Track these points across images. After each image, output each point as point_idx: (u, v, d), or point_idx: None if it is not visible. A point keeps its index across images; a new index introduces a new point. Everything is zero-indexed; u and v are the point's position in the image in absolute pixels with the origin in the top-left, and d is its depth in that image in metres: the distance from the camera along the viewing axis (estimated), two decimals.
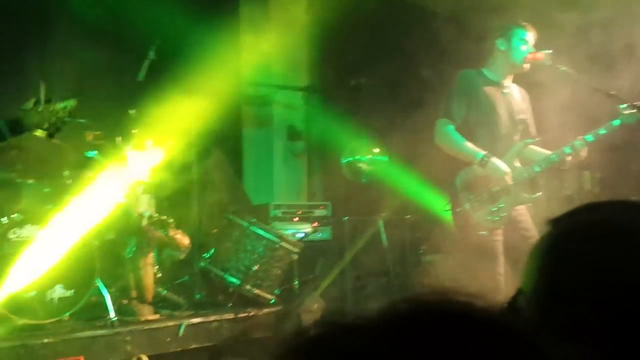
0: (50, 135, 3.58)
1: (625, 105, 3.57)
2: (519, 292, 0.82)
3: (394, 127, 6.42)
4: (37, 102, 3.52)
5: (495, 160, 3.59)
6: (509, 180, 3.60)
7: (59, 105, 3.49)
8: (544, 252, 0.80)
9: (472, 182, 3.67)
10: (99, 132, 4.49)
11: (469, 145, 3.64)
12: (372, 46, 6.81)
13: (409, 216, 5.91)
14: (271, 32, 6.91)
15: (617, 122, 3.60)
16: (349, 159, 6.62)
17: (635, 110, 3.56)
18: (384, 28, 6.86)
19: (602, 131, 3.63)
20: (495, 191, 3.64)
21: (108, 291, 3.84)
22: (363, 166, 6.58)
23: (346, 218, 5.70)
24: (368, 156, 6.60)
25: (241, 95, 6.70)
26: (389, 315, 0.52)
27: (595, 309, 0.71)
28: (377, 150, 6.64)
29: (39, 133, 4.10)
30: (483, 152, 3.59)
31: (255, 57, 6.90)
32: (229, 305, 4.27)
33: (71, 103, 3.57)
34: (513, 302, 0.83)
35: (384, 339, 0.49)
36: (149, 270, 4.10)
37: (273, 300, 4.47)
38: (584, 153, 3.65)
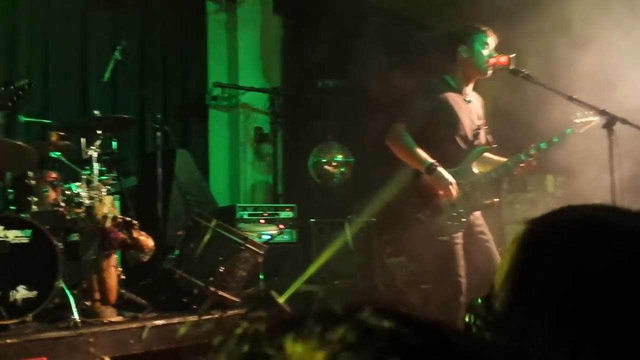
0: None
1: (578, 114, 3.66)
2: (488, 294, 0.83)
3: (360, 129, 6.47)
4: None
5: (441, 170, 3.60)
6: (454, 191, 3.62)
7: (18, 85, 3.79)
8: (519, 248, 0.81)
9: (428, 189, 3.69)
10: (63, 133, 4.45)
11: (420, 151, 3.65)
12: (339, 49, 6.85)
13: (374, 219, 5.96)
14: (238, 32, 6.92)
15: (569, 131, 3.69)
16: (315, 161, 6.65)
17: (586, 120, 3.65)
18: (352, 30, 6.91)
19: (556, 139, 3.72)
20: (450, 198, 3.67)
21: (71, 293, 3.81)
22: (329, 168, 6.62)
23: (313, 220, 5.72)
24: (334, 158, 6.64)
25: (208, 96, 6.69)
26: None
27: (566, 302, 0.73)
28: (343, 152, 6.68)
29: None
30: (431, 161, 3.60)
31: (223, 58, 6.90)
32: (193, 307, 4.26)
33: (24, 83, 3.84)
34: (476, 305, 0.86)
35: None
36: (112, 272, 4.07)
37: (238, 302, 4.47)
38: (534, 162, 3.72)
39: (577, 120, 3.67)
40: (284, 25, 7.31)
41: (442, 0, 5.93)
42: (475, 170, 3.78)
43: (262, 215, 5.79)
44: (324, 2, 6.90)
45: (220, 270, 4.38)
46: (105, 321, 3.90)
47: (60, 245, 3.87)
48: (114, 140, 4.59)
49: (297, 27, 7.21)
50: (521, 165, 3.72)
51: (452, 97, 3.77)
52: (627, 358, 0.69)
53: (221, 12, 6.92)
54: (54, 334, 3.58)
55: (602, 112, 3.48)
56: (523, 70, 3.70)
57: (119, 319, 4.02)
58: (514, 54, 3.73)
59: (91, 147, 4.21)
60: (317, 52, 6.68)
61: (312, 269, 5.14)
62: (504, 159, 3.81)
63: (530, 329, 0.74)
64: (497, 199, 3.93)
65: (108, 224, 4.01)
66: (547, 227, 0.81)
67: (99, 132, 4.34)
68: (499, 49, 3.79)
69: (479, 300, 0.86)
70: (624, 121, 3.42)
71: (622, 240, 0.75)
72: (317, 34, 6.69)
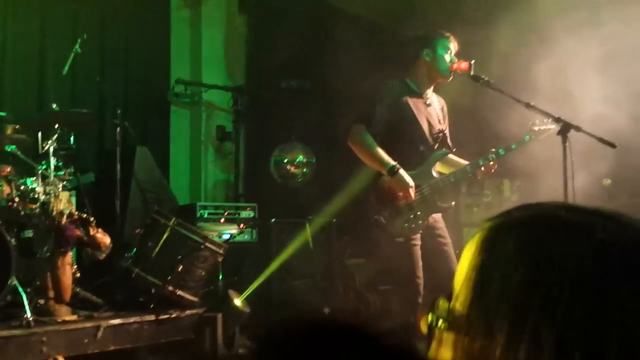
0: None
1: (537, 121, 3.74)
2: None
3: (323, 130, 6.49)
4: None
5: (402, 172, 3.63)
6: (412, 193, 3.66)
7: None
8: (476, 247, 0.83)
9: (387, 191, 3.72)
10: (19, 126, 4.35)
11: (382, 153, 3.68)
12: (304, 49, 6.85)
13: (335, 220, 5.97)
14: (202, 30, 6.87)
15: (527, 138, 3.78)
16: (277, 161, 6.64)
17: (544, 127, 3.73)
18: (316, 32, 6.92)
19: (514, 146, 3.79)
20: (409, 201, 3.70)
21: (24, 291, 3.73)
22: (291, 169, 6.62)
23: (273, 220, 5.71)
24: (296, 159, 6.65)
25: (170, 92, 6.62)
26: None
27: (523, 296, 0.75)
28: (305, 153, 6.69)
29: None
30: (393, 163, 3.64)
31: (186, 55, 6.84)
32: (151, 306, 4.21)
33: None
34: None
35: None
36: (67, 270, 4.00)
37: (196, 302, 4.44)
38: (494, 166, 3.79)
39: (536, 128, 3.76)
40: (249, 24, 7.28)
41: (406, 4, 5.99)
42: (435, 173, 3.82)
43: (222, 214, 5.75)
44: (289, 2, 6.90)
45: (178, 269, 4.34)
46: (59, 320, 3.83)
47: (13, 241, 3.79)
48: (71, 135, 4.51)
49: (262, 27, 7.19)
50: (481, 169, 3.79)
51: (412, 100, 3.81)
52: (586, 349, 0.71)
53: (185, 8, 6.86)
54: (5, 333, 3.50)
55: (557, 120, 3.56)
56: (483, 77, 3.76)
57: (74, 317, 3.95)
58: (474, 60, 3.79)
59: (48, 142, 4.13)
60: (282, 52, 6.67)
61: (271, 269, 5.13)
62: (466, 162, 3.87)
63: (490, 326, 0.76)
64: (454, 202, 3.98)
65: (64, 220, 3.94)
66: (502, 224, 0.83)
67: (57, 126, 4.26)
68: (459, 55, 3.85)
69: (442, 302, 0.87)
70: (578, 129, 3.50)
71: (574, 233, 0.78)
72: (281, 34, 6.67)
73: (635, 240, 0.76)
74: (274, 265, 5.22)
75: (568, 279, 0.74)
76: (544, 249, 0.77)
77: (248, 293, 4.58)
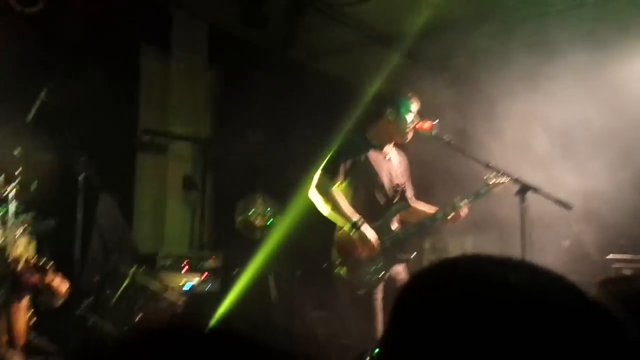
0: None
1: (492, 175, 3.85)
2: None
3: (290, 183, 6.54)
4: None
5: (364, 228, 3.69)
6: (375, 245, 3.70)
7: None
8: (393, 302, 0.86)
9: (349, 244, 3.75)
10: None
11: (346, 207, 3.74)
12: (271, 102, 6.96)
13: (299, 272, 5.95)
14: (171, 81, 6.93)
15: (483, 191, 3.89)
16: (242, 213, 6.63)
17: (498, 181, 3.84)
18: (284, 86, 7.04)
19: (470, 198, 3.89)
20: (371, 254, 3.74)
21: None
22: (256, 220, 6.62)
23: (236, 270, 5.67)
24: (262, 210, 6.65)
25: (137, 141, 6.62)
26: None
27: (424, 349, 0.77)
28: (271, 204, 6.70)
29: None
30: (356, 218, 3.69)
31: (154, 106, 6.88)
32: None
33: None
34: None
35: None
36: (22, 316, 3.90)
37: None
38: (460, 215, 3.86)
39: (490, 182, 3.87)
40: (218, 77, 7.37)
41: (372, 63, 6.16)
42: (394, 226, 3.88)
43: (184, 263, 5.70)
44: (258, 57, 7.03)
45: (136, 318, 4.27)
46: None
47: None
48: (34, 181, 4.47)
49: (231, 80, 7.29)
50: (445, 219, 3.87)
51: (373, 154, 3.89)
52: None
53: (156, 59, 6.92)
54: None
55: (516, 180, 3.67)
56: (444, 137, 3.88)
57: None
58: (437, 120, 3.90)
59: (9, 186, 4.09)
60: (249, 105, 6.76)
61: (220, 312, 5.04)
62: (434, 209, 3.94)
63: None
64: (415, 253, 4.04)
65: (20, 266, 3.87)
66: (414, 280, 0.87)
67: (19, 170, 4.23)
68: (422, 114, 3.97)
69: (376, 351, 0.91)
70: (535, 190, 3.61)
71: (475, 287, 0.80)
72: (250, 87, 6.78)
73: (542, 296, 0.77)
74: (221, 310, 5.10)
75: (469, 338, 0.75)
76: (444, 305, 0.78)
77: None
